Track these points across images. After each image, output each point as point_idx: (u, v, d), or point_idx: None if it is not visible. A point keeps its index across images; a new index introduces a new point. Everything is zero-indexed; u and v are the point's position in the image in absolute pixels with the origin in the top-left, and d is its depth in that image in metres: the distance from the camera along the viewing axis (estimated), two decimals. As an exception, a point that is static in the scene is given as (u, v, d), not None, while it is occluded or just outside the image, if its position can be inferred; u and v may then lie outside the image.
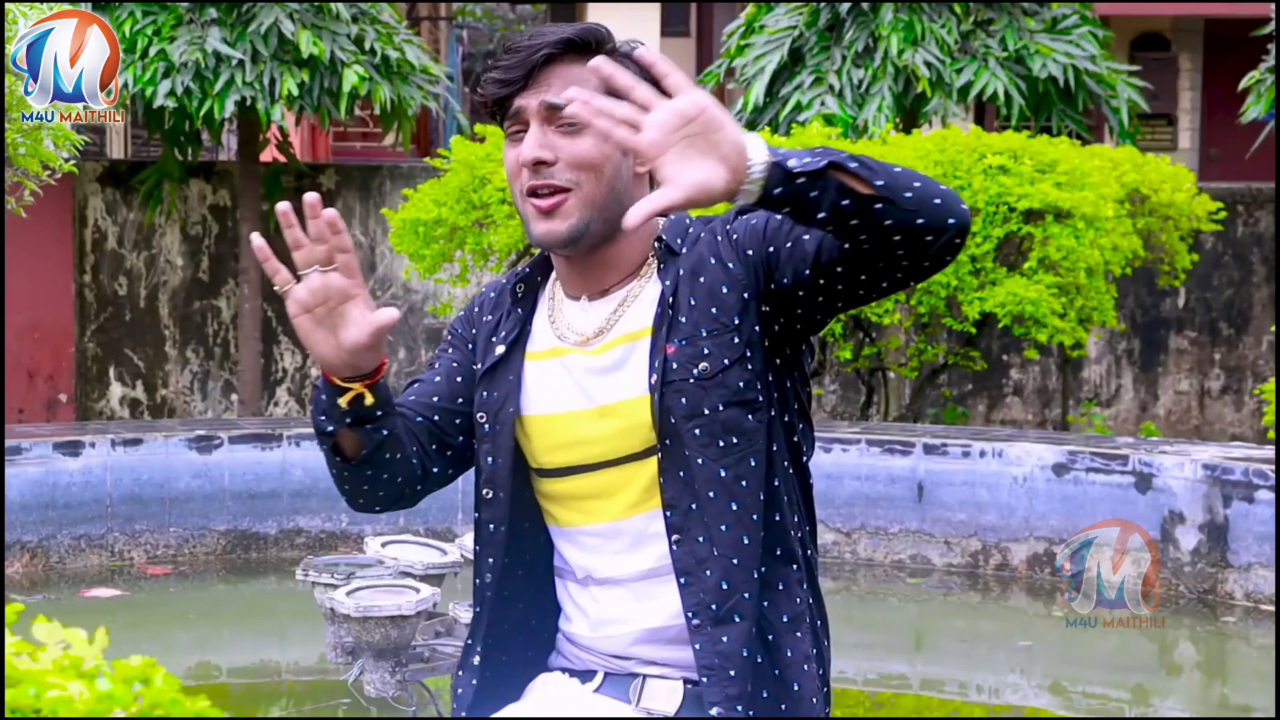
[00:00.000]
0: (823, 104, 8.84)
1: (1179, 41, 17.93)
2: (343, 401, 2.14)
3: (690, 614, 2.13)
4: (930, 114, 8.95)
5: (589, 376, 2.21)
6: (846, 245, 1.98)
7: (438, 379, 2.32)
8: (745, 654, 2.12)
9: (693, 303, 2.16)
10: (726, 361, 2.14)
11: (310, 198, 2.06)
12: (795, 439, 2.21)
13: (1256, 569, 5.39)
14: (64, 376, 10.34)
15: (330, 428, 2.17)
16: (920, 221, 1.93)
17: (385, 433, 2.17)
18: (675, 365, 2.14)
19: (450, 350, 2.35)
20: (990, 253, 6.95)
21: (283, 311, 10.06)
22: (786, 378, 2.20)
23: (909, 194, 1.92)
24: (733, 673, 2.11)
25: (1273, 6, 9.39)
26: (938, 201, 1.94)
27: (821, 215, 1.91)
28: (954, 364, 7.94)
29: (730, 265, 2.16)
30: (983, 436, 6.15)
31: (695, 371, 2.14)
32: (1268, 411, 7.84)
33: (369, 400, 2.14)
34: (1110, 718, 4.83)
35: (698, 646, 2.12)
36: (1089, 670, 5.08)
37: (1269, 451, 5.74)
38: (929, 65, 8.91)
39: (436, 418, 2.29)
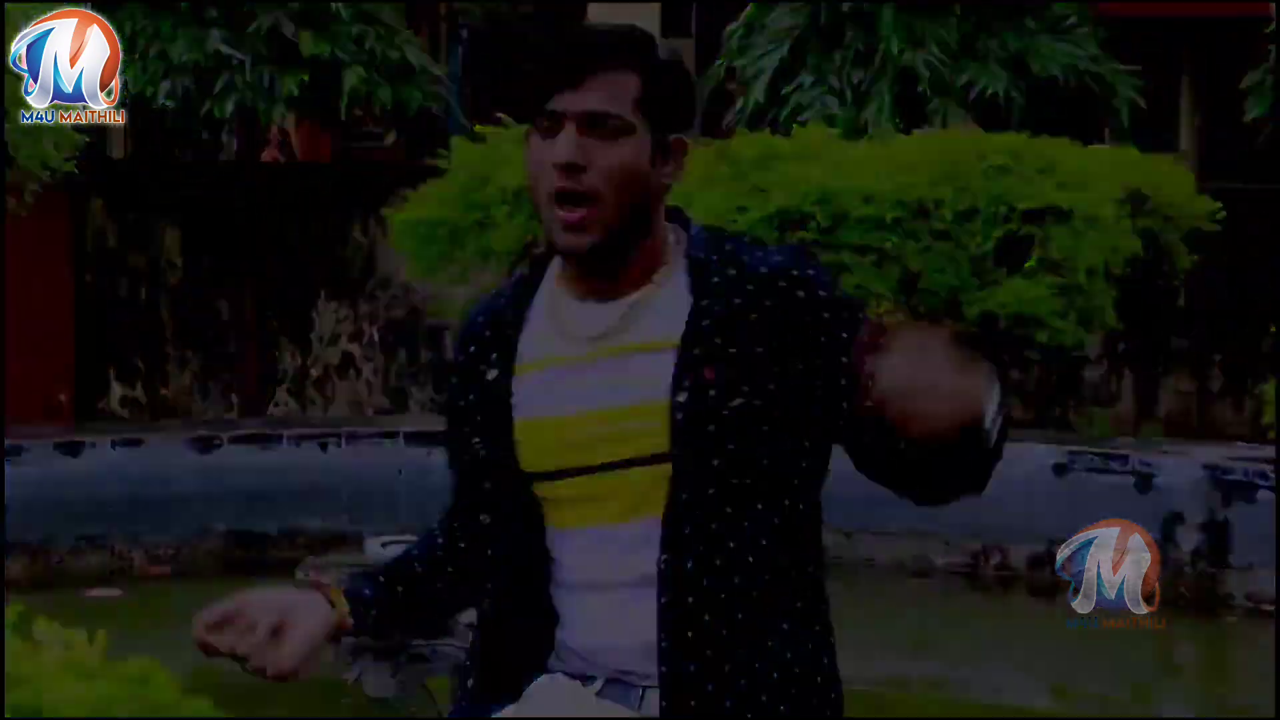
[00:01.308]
0: (823, 104, 8.83)
1: (1179, 41, 17.90)
2: None
3: (661, 636, 2.11)
4: (931, 115, 8.94)
5: (595, 378, 2.18)
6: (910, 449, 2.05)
7: (457, 500, 2.32)
8: (710, 689, 2.10)
9: (751, 342, 2.13)
10: (769, 408, 2.12)
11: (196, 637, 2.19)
12: (804, 506, 2.23)
13: (1256, 569, 5.38)
14: (64, 377, 10.33)
15: None
16: (956, 486, 2.17)
17: (375, 612, 2.25)
18: (713, 392, 2.11)
19: (452, 434, 2.31)
20: (991, 253, 6.94)
21: (283, 311, 10.06)
22: (812, 453, 2.21)
23: (989, 471, 2.15)
24: (693, 703, 2.10)
25: (1273, 7, 9.38)
26: (979, 484, 2.17)
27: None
28: (954, 364, 7.92)
29: (810, 347, 2.13)
30: (983, 437, 6.13)
31: (733, 404, 2.10)
32: (1268, 411, 7.83)
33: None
34: (1110, 718, 4.83)
35: (664, 669, 2.11)
36: (1089, 670, 5.08)
37: (1269, 451, 5.73)
38: (930, 66, 8.90)
39: (463, 544, 2.30)
